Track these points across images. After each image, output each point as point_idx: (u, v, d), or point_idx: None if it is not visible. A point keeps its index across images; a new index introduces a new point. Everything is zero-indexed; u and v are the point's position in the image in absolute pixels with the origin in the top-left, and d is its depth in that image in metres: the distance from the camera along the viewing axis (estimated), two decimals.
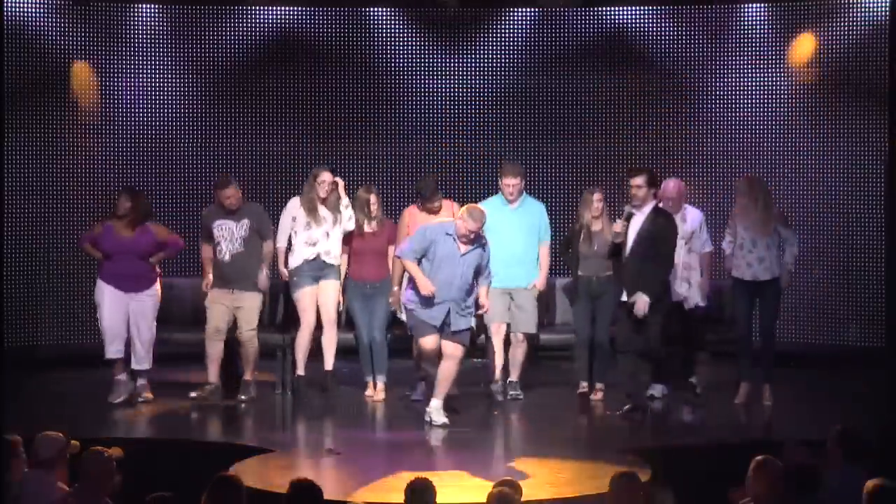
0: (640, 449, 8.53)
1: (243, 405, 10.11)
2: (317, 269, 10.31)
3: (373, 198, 10.41)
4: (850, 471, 6.38)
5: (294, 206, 10.41)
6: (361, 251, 10.39)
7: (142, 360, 10.16)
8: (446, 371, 9.42)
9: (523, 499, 6.14)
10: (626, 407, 9.66)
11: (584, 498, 7.33)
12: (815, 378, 11.47)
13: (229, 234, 10.21)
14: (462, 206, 9.68)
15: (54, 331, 12.21)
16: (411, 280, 9.52)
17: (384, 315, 10.41)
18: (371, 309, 10.40)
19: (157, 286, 10.25)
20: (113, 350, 10.08)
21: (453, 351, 9.42)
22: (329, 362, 10.41)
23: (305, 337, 10.32)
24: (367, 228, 10.43)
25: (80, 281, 11.84)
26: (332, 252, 10.33)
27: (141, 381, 10.20)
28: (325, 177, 10.32)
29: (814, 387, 11.18)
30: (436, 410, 9.41)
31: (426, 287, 9.30)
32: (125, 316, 10.11)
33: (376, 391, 10.42)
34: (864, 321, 12.12)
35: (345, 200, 10.38)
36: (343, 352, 10.62)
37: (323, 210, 10.32)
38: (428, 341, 9.46)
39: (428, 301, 9.35)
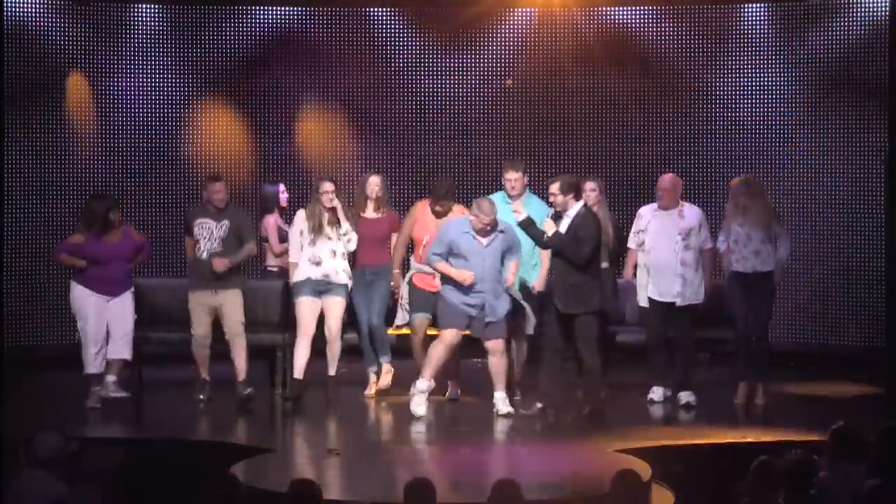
0: (640, 449, 8.53)
1: (246, 402, 10.02)
2: (322, 285, 10.23)
3: (374, 178, 10.39)
4: (848, 470, 6.37)
5: (300, 219, 10.32)
6: (362, 237, 10.33)
7: (121, 350, 10.07)
8: (497, 366, 9.65)
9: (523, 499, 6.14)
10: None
11: (584, 498, 7.33)
12: (815, 378, 11.47)
13: (208, 234, 10.21)
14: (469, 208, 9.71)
15: (54, 331, 12.21)
16: (444, 278, 9.63)
17: (383, 302, 10.41)
18: (371, 296, 10.38)
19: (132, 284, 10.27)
20: (96, 365, 10.02)
21: (494, 346, 9.63)
22: (332, 369, 10.31)
23: (302, 346, 10.19)
24: (369, 215, 10.42)
25: None
26: (340, 269, 10.25)
27: (111, 377, 10.09)
28: (327, 186, 10.26)
29: (813, 387, 11.18)
30: (501, 401, 9.65)
31: (464, 276, 9.46)
32: (106, 323, 10.08)
33: (382, 374, 10.40)
34: (864, 321, 12.12)
35: (344, 227, 10.31)
36: (344, 351, 10.59)
37: (327, 228, 10.24)
38: (449, 334, 9.57)
39: (466, 289, 9.50)
